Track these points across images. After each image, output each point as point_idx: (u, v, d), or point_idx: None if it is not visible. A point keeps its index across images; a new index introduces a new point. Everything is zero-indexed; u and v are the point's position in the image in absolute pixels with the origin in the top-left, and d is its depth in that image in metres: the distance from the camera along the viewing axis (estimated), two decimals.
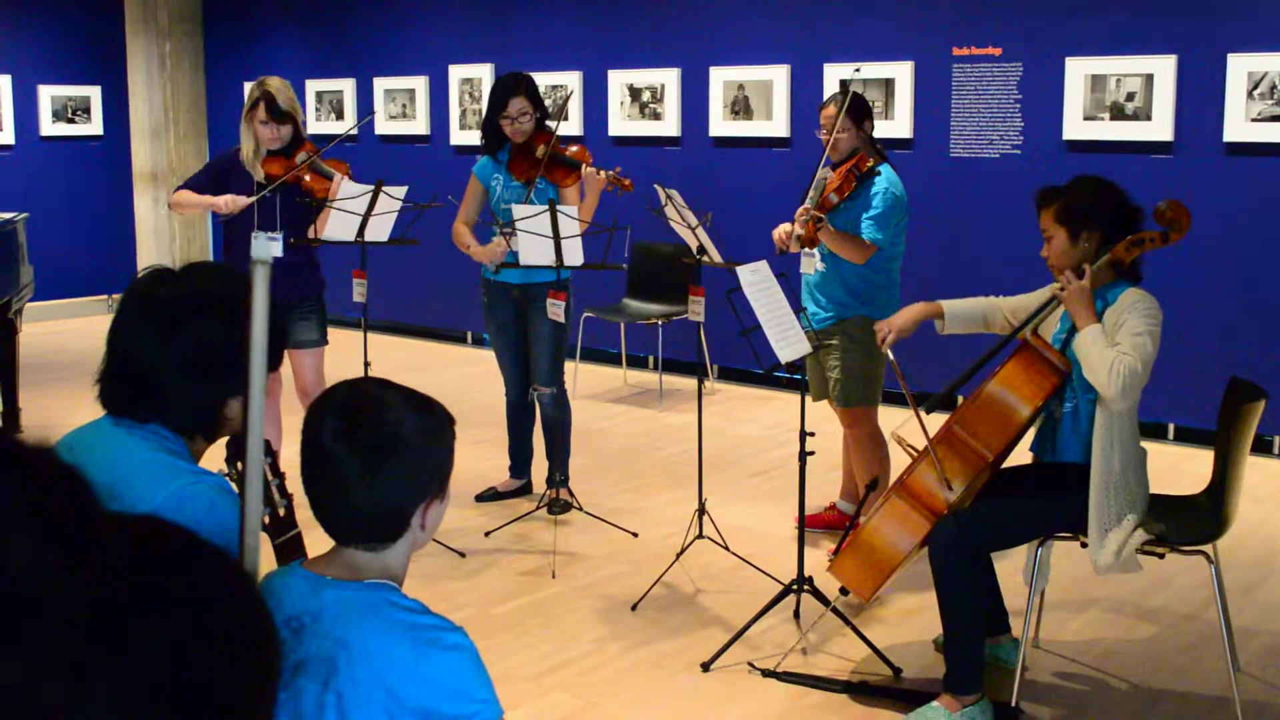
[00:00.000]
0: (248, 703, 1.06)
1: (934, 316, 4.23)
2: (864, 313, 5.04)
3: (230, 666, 1.03)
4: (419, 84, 9.77)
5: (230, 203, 5.35)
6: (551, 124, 5.61)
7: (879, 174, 4.98)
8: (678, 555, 4.89)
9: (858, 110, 5.08)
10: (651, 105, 8.55)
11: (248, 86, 5.50)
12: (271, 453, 2.18)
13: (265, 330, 1.47)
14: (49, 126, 11.13)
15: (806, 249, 4.91)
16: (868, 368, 5.08)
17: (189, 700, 0.99)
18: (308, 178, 5.40)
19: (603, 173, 5.43)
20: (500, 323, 5.75)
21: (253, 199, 5.35)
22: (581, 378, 8.18)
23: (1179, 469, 6.09)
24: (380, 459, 1.88)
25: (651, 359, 8.69)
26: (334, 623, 1.86)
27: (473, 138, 9.15)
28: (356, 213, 5.30)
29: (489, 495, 5.93)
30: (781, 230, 5.05)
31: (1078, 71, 6.92)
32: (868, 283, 5.03)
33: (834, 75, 7.68)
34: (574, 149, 5.58)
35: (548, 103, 8.83)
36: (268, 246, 1.43)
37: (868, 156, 5.01)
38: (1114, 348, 3.64)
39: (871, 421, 5.16)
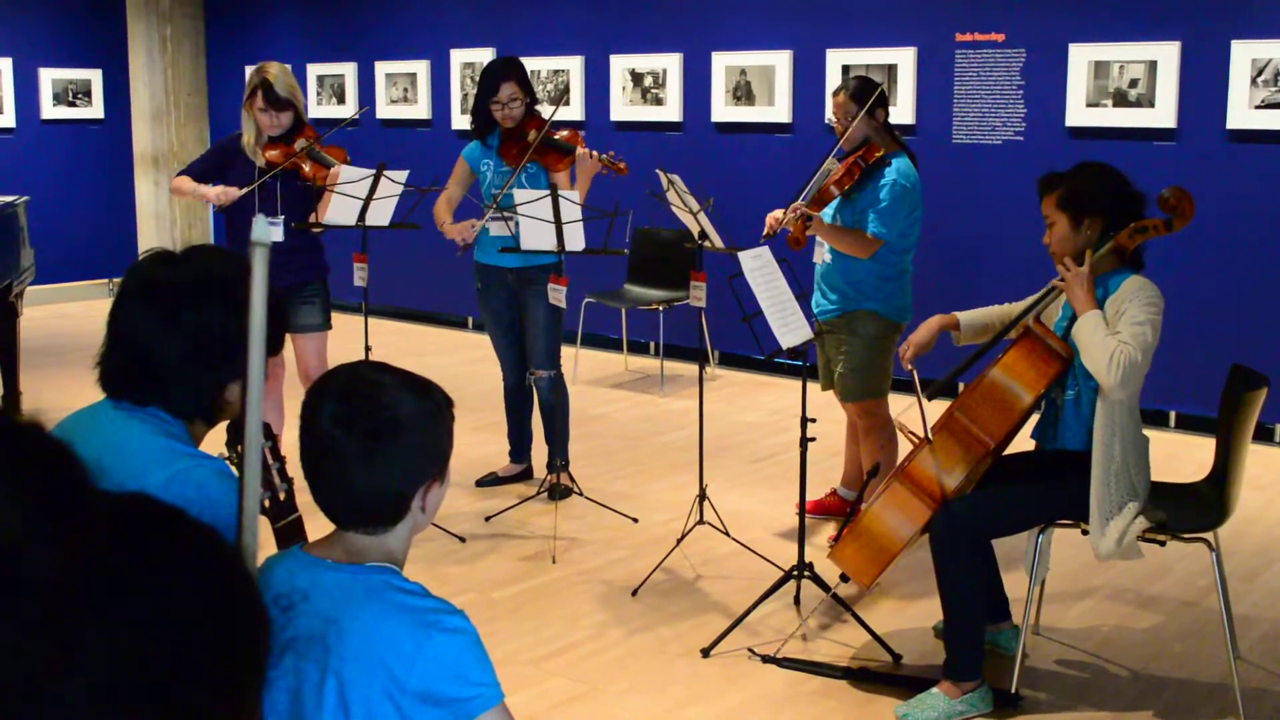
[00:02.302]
0: (236, 678, 1.06)
1: (950, 328, 4.21)
2: (869, 307, 4.97)
3: (218, 642, 1.03)
4: (420, 68, 9.74)
5: (222, 194, 5.32)
6: (547, 109, 5.60)
7: (888, 164, 4.88)
8: (678, 541, 4.89)
9: (868, 97, 4.90)
10: (653, 90, 8.53)
11: (249, 71, 5.48)
12: (272, 436, 2.18)
13: (264, 313, 1.46)
14: (50, 110, 11.11)
15: (801, 244, 4.83)
16: (872, 363, 5.01)
17: (177, 673, 1.00)
18: (307, 167, 5.37)
19: (596, 155, 5.41)
20: (495, 308, 5.74)
21: (245, 190, 5.32)
22: (582, 363, 8.18)
23: (1180, 456, 6.09)
24: (379, 442, 1.88)
25: (652, 344, 8.68)
26: (323, 601, 1.86)
27: None
28: (358, 197, 5.29)
29: (489, 480, 5.93)
30: (772, 216, 4.97)
31: (1081, 58, 6.90)
32: (874, 275, 4.95)
33: (836, 61, 7.66)
34: (565, 133, 5.56)
35: (548, 89, 8.82)
36: (267, 229, 1.43)
37: (879, 146, 4.90)
38: (1114, 336, 3.63)
39: (880, 412, 5.10)
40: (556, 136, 5.50)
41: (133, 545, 1.02)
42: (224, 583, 1.07)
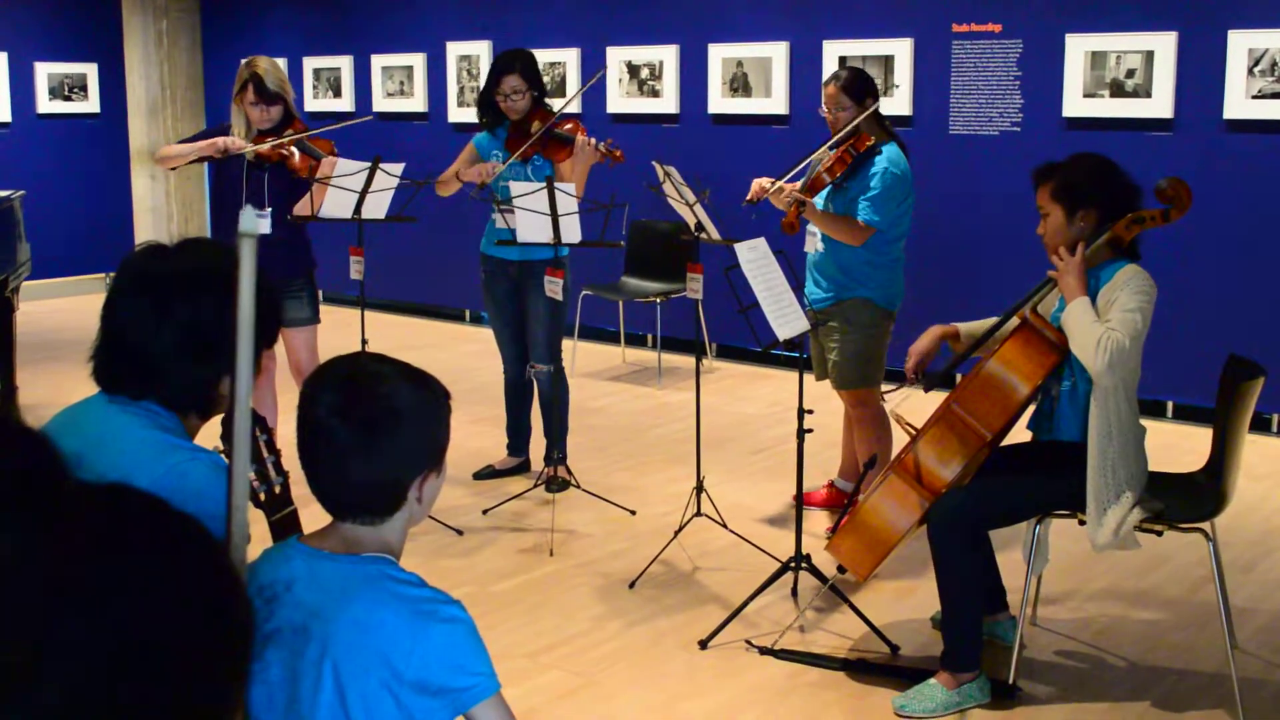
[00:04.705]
0: (214, 668, 1.04)
1: (950, 338, 4.20)
2: (861, 294, 4.99)
3: (195, 632, 1.02)
4: (417, 61, 9.73)
5: (231, 142, 5.26)
6: (556, 103, 5.60)
7: (879, 153, 4.91)
8: (676, 533, 4.89)
9: (858, 88, 4.98)
10: (650, 82, 8.51)
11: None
12: (267, 429, 2.18)
13: (253, 303, 1.45)
14: (46, 104, 11.10)
15: (795, 229, 4.85)
16: (866, 350, 5.03)
17: (152, 664, 0.98)
18: (297, 159, 5.35)
19: (594, 144, 5.40)
20: (498, 300, 5.75)
21: (251, 147, 5.27)
22: (580, 356, 8.17)
23: (1177, 447, 6.09)
24: (376, 431, 1.88)
25: (650, 337, 8.67)
26: (318, 591, 1.86)
27: (470, 115, 9.11)
28: (354, 190, 5.28)
29: (487, 473, 5.93)
30: (758, 184, 4.97)
31: (1078, 48, 6.89)
32: (865, 263, 4.97)
33: (833, 52, 7.65)
34: (567, 125, 5.55)
35: (545, 81, 8.80)
36: (255, 220, 1.42)
37: (869, 135, 4.93)
38: (1104, 323, 3.63)
39: (874, 402, 5.12)
40: (558, 129, 5.50)
41: (111, 536, 1.01)
42: (203, 573, 1.06)
